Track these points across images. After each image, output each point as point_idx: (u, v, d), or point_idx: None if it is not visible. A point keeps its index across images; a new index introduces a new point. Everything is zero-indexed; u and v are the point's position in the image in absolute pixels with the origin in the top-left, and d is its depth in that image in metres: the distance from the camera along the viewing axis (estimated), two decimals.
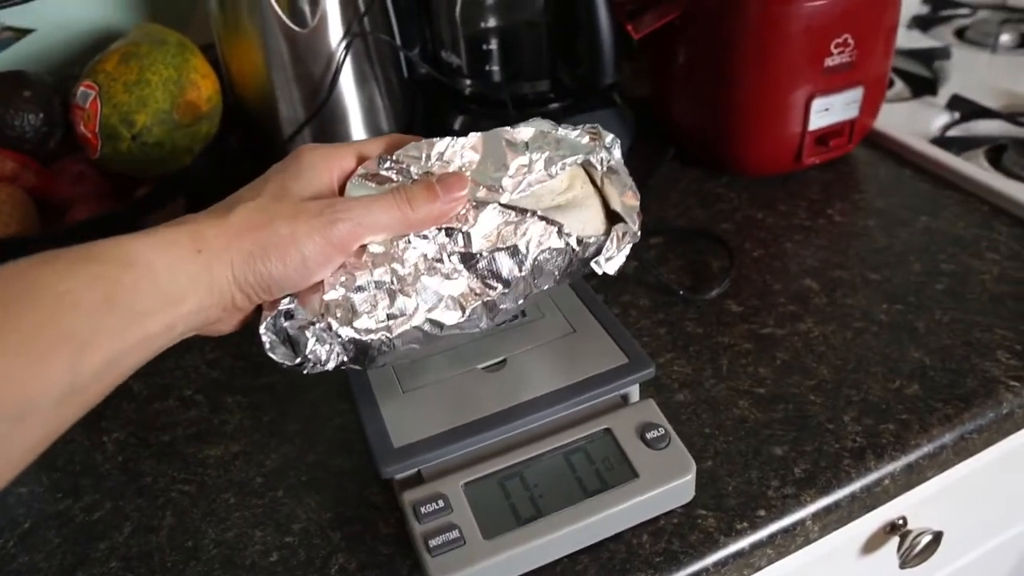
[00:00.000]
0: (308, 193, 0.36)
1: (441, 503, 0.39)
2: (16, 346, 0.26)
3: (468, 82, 0.71)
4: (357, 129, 0.68)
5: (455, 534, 0.38)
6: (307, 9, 0.62)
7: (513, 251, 0.38)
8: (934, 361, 0.49)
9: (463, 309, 0.37)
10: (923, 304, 0.53)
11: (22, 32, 0.65)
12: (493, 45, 0.70)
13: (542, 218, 0.39)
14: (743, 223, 0.63)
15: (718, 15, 0.62)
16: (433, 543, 0.37)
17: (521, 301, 0.40)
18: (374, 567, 0.40)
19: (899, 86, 0.79)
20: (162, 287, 0.30)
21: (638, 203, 0.42)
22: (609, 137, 0.42)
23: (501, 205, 0.38)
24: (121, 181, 0.60)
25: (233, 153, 0.65)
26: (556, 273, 0.40)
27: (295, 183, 0.36)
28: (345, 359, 0.37)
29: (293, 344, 0.36)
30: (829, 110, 0.63)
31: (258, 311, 0.36)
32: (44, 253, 0.29)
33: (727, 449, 0.45)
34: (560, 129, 0.41)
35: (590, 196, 0.41)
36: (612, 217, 0.42)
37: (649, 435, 0.41)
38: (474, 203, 0.38)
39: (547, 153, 0.39)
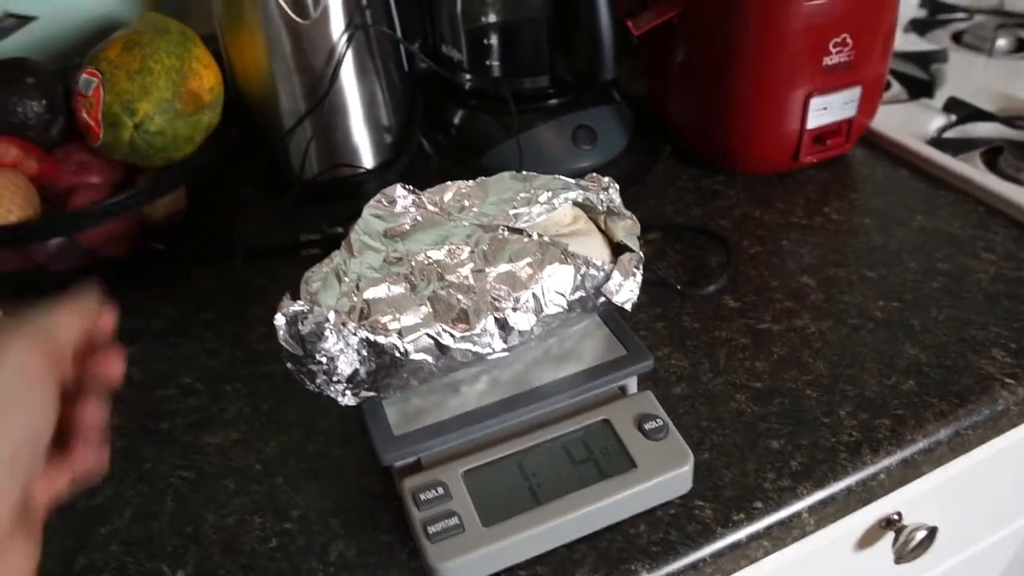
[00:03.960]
0: None
1: (440, 490, 0.39)
2: None
3: (468, 77, 0.71)
4: (357, 122, 0.68)
5: (454, 521, 0.38)
6: (309, 1, 0.62)
7: (521, 268, 0.40)
8: (930, 358, 0.49)
9: (472, 324, 0.39)
10: (919, 302, 0.54)
11: (24, 19, 0.65)
12: (494, 40, 0.70)
13: (548, 243, 0.41)
14: (740, 220, 0.63)
15: (717, 13, 0.62)
16: (432, 529, 0.38)
17: (534, 323, 0.40)
18: (373, 554, 0.41)
19: (896, 88, 0.80)
20: None
21: (639, 228, 0.45)
22: (607, 179, 0.46)
23: (508, 229, 0.41)
24: (123, 170, 0.60)
25: (234, 144, 0.65)
26: (566, 295, 0.41)
27: None
28: (359, 368, 0.38)
29: (305, 339, 0.38)
30: (827, 109, 0.63)
31: None
32: None
33: (724, 442, 0.45)
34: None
35: (594, 231, 0.45)
36: (617, 252, 0.44)
37: (647, 426, 0.42)
38: (482, 227, 0.41)
39: (549, 189, 0.44)
